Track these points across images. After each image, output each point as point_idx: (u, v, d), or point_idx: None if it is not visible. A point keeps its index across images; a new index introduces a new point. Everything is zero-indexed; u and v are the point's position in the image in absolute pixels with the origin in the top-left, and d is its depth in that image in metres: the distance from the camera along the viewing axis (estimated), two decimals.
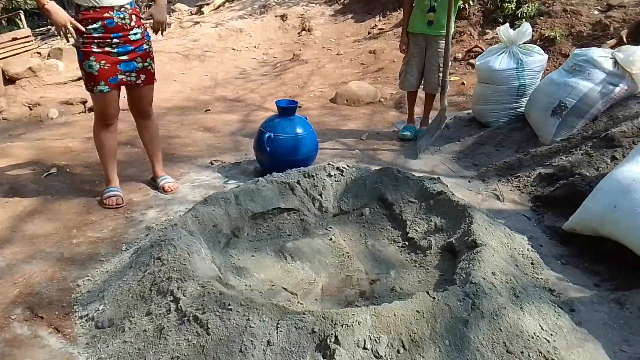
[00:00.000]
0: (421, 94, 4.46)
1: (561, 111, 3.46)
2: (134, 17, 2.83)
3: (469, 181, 3.41)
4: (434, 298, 1.80)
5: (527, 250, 2.40)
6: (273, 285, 2.28)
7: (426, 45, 4.07)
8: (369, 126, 4.81)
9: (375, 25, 8.48)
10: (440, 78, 4.06)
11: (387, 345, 1.66)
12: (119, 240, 2.69)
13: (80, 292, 2.24)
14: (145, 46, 2.93)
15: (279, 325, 1.71)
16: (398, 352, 1.66)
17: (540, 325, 1.88)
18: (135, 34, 2.85)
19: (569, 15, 5.88)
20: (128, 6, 2.79)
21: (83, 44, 2.74)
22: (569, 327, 1.94)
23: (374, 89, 5.79)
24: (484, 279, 1.92)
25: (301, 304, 2.16)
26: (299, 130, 3.42)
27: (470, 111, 4.65)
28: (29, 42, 7.19)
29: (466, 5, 6.91)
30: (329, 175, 2.86)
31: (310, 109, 5.49)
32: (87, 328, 1.99)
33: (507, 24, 4.25)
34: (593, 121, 3.40)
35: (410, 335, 1.69)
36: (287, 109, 3.48)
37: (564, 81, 3.50)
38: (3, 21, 11.69)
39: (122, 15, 2.76)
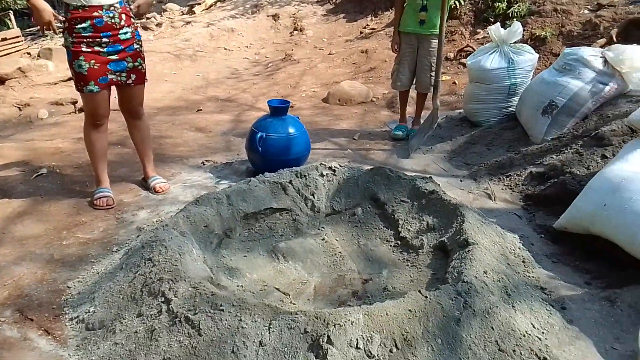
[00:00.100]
0: (413, 93, 4.47)
1: (552, 110, 3.47)
2: (123, 16, 2.81)
3: (460, 180, 3.42)
4: (426, 297, 1.80)
5: (519, 248, 2.41)
6: (265, 286, 2.27)
7: (418, 45, 4.07)
8: (361, 126, 4.81)
9: (367, 25, 8.49)
10: (432, 77, 4.07)
11: (380, 345, 1.66)
12: (109, 242, 2.67)
13: (71, 294, 2.22)
14: (135, 45, 2.91)
15: (271, 326, 1.70)
16: (391, 351, 1.66)
17: (532, 324, 1.89)
18: (125, 33, 2.83)
19: (559, 15, 5.92)
20: (118, 5, 2.77)
21: (72, 44, 2.72)
22: (561, 325, 1.95)
23: (366, 88, 5.79)
24: (476, 277, 1.92)
25: (293, 304, 2.15)
26: (291, 130, 3.41)
27: (461, 110, 4.67)
28: (18, 42, 7.14)
29: (457, 4, 6.93)
30: (321, 175, 2.85)
31: (303, 108, 5.48)
32: (78, 330, 1.98)
33: (498, 24, 4.27)
34: (583, 120, 3.42)
35: (402, 335, 1.69)
36: (279, 109, 3.47)
37: (554, 80, 3.52)
38: None
39: (111, 14, 2.74)
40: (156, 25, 9.46)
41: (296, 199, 2.76)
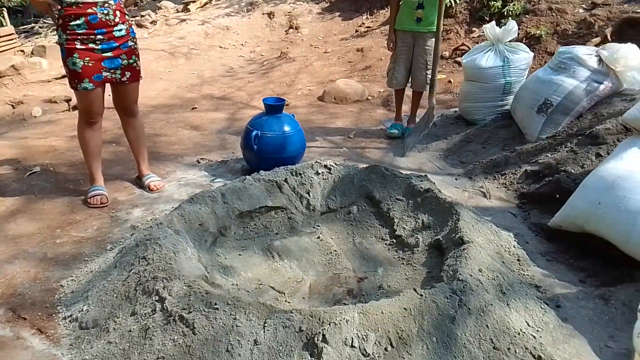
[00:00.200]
0: (408, 91, 4.47)
1: (547, 109, 3.48)
2: (118, 13, 2.79)
3: (455, 179, 3.42)
4: (422, 295, 1.80)
5: (513, 247, 2.41)
6: (260, 284, 2.27)
7: (414, 43, 4.07)
8: (357, 124, 4.81)
9: (363, 23, 8.49)
10: (427, 76, 4.07)
11: (375, 343, 1.66)
12: (103, 240, 2.66)
13: (64, 293, 2.20)
14: (130, 43, 2.89)
15: (266, 324, 1.69)
16: (386, 349, 1.66)
17: (526, 322, 1.90)
18: (119, 30, 2.81)
19: (554, 14, 5.93)
20: (112, 2, 2.75)
21: (66, 41, 2.70)
22: (555, 323, 1.96)
23: (362, 87, 5.79)
24: (471, 275, 1.93)
25: (288, 302, 2.15)
26: (287, 128, 3.41)
27: (457, 109, 4.67)
28: (12, 39, 7.07)
29: (453, 3, 6.94)
30: (317, 173, 2.85)
31: (298, 107, 5.47)
32: (71, 329, 1.96)
33: (494, 22, 4.27)
34: (578, 119, 3.43)
35: (397, 333, 1.69)
36: (275, 107, 3.46)
37: (549, 79, 3.53)
38: None
39: (105, 11, 2.73)
40: (151, 22, 9.42)
41: (291, 197, 2.75)
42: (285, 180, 2.76)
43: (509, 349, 1.74)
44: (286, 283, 2.30)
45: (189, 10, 10.24)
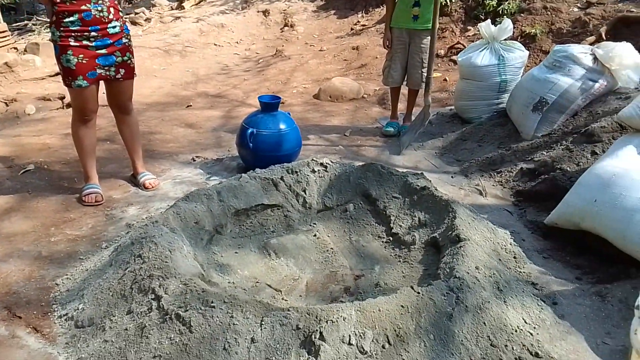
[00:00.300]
0: (404, 90, 4.47)
1: (542, 107, 3.49)
2: (112, 9, 2.77)
3: (452, 177, 3.42)
4: (419, 293, 1.80)
5: (510, 244, 2.42)
6: (257, 282, 2.26)
7: (409, 41, 4.07)
8: (353, 122, 4.80)
9: (358, 21, 8.48)
10: (423, 74, 4.08)
11: (372, 341, 1.66)
12: (98, 238, 2.64)
13: (59, 291, 2.19)
14: (124, 40, 2.88)
15: (263, 322, 1.69)
16: (383, 347, 1.66)
17: (523, 319, 1.90)
18: (113, 27, 2.80)
19: (549, 12, 5.95)
20: None
21: (60, 38, 2.68)
22: (552, 320, 1.96)
23: (357, 85, 5.79)
24: (468, 273, 1.93)
25: (285, 300, 2.14)
26: (282, 126, 3.40)
27: (452, 107, 4.68)
28: (5, 37, 7.01)
29: (448, 1, 6.94)
30: (313, 171, 2.84)
31: (294, 105, 5.46)
32: (67, 327, 1.95)
33: (489, 21, 4.27)
34: (573, 117, 3.44)
35: (395, 330, 1.69)
36: (270, 105, 3.45)
37: (544, 77, 3.54)
38: None
39: (99, 8, 2.71)
40: (145, 20, 9.37)
41: (288, 195, 2.75)
42: (282, 178, 2.76)
43: (506, 346, 1.75)
44: (283, 281, 2.29)
45: (184, 8, 10.20)
